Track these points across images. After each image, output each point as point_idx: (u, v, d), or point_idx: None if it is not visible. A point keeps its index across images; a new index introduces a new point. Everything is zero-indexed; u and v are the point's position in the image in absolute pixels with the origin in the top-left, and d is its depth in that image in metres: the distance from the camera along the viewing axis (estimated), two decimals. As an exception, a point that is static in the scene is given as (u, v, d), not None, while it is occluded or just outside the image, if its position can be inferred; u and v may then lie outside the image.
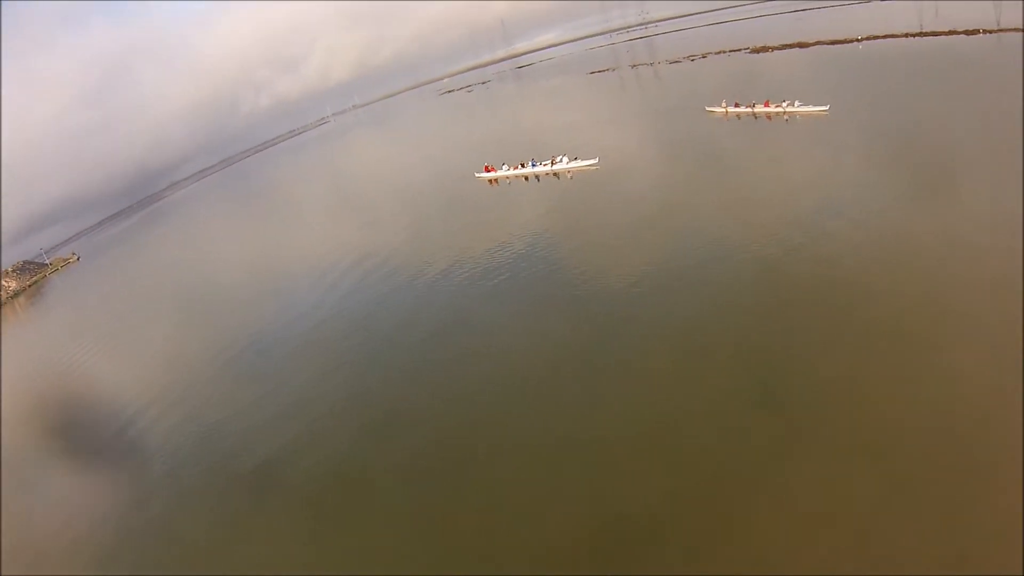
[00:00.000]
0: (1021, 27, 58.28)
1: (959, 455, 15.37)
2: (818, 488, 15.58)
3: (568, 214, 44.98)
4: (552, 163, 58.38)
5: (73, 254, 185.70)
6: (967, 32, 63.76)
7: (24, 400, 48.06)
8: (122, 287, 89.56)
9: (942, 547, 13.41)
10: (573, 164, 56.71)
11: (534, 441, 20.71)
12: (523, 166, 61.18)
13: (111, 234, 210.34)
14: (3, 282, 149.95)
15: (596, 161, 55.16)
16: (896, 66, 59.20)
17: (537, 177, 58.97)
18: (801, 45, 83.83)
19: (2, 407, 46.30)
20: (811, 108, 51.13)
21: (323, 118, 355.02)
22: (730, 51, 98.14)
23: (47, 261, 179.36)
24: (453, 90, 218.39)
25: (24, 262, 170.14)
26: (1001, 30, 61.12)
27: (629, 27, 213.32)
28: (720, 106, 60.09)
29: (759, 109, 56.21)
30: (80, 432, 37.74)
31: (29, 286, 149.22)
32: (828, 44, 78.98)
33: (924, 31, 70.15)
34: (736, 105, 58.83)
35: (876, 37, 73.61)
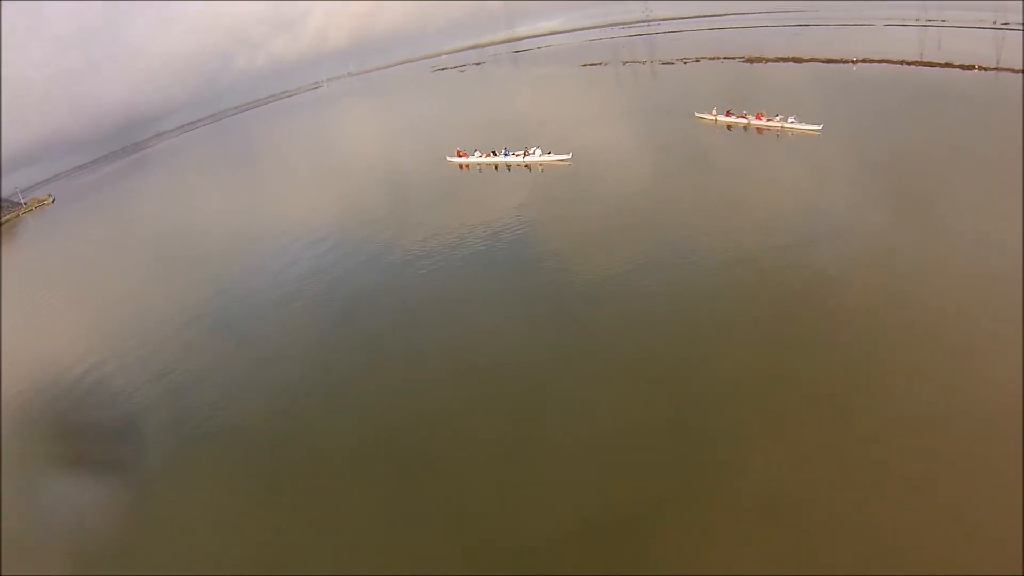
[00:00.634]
0: (1020, 68, 56.93)
1: (959, 455, 15.82)
2: (818, 488, 15.74)
3: (532, 208, 43.19)
4: (525, 154, 55.88)
5: (49, 196, 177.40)
6: (963, 67, 62.21)
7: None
8: (91, 235, 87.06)
9: (942, 547, 13.59)
10: (546, 157, 54.27)
11: (488, 436, 20.48)
12: (495, 154, 58.47)
13: (90, 179, 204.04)
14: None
15: (569, 156, 53.00)
16: (890, 92, 57.42)
17: (508, 167, 56.55)
18: (796, 60, 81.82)
19: None
20: (804, 126, 49.09)
21: (317, 82, 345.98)
22: (724, 58, 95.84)
23: (22, 201, 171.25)
24: (446, 68, 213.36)
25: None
26: (999, 68, 59.69)
27: (632, 23, 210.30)
28: (710, 113, 57.70)
29: (751, 121, 53.91)
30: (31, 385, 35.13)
31: (1, 225, 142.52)
32: (823, 62, 77.09)
33: (921, 60, 68.47)
34: (727, 114, 56.45)
35: (872, 61, 71.78)
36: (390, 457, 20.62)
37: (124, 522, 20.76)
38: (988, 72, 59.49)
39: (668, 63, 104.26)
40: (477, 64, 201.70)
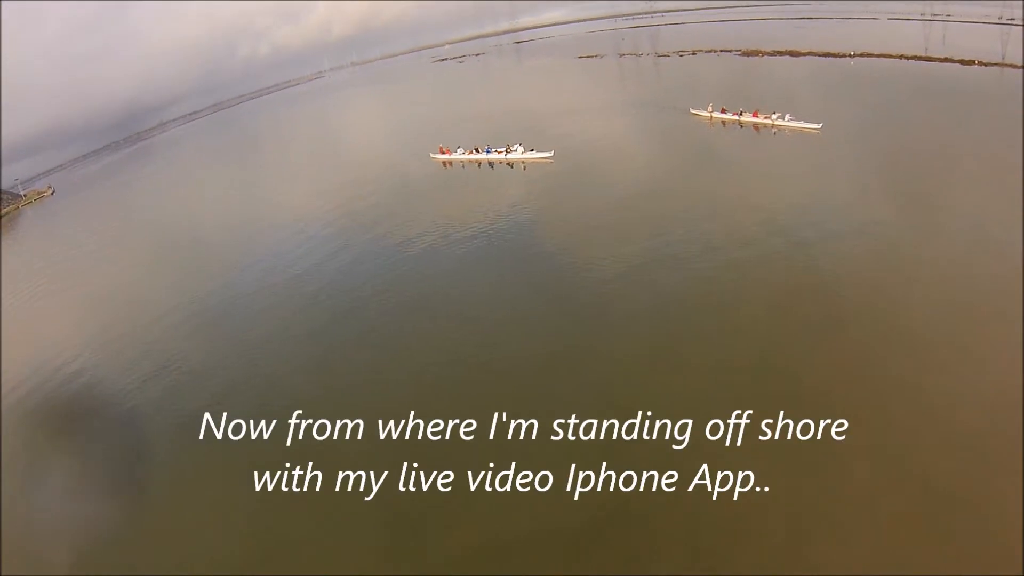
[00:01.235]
0: (1021, 64, 55.09)
1: (958, 455, 15.79)
2: (817, 489, 15.75)
3: (509, 208, 41.98)
4: (507, 151, 54.58)
5: (49, 187, 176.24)
6: (962, 62, 60.35)
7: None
8: (92, 227, 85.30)
9: (942, 547, 13.62)
10: (528, 155, 52.93)
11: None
12: (477, 151, 57.13)
13: (92, 170, 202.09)
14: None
15: (551, 154, 51.71)
16: (890, 88, 55.78)
17: (491, 164, 55.25)
18: (792, 53, 79.92)
19: None
20: (803, 124, 47.40)
21: (319, 72, 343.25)
22: (720, 51, 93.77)
23: (22, 193, 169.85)
24: (446, 59, 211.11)
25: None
26: (1000, 64, 57.82)
27: (634, 14, 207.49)
28: (706, 110, 55.95)
29: (747, 118, 52.23)
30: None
31: (1, 218, 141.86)
32: (820, 56, 75.28)
33: (920, 55, 66.53)
34: (723, 111, 54.75)
35: (870, 55, 69.87)
36: (389, 456, 19.97)
37: (124, 522, 20.63)
38: (989, 67, 57.80)
39: (664, 55, 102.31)
40: (477, 55, 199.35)
